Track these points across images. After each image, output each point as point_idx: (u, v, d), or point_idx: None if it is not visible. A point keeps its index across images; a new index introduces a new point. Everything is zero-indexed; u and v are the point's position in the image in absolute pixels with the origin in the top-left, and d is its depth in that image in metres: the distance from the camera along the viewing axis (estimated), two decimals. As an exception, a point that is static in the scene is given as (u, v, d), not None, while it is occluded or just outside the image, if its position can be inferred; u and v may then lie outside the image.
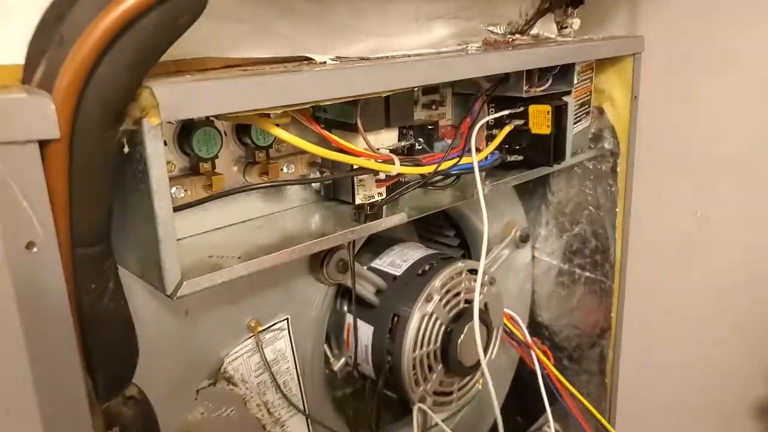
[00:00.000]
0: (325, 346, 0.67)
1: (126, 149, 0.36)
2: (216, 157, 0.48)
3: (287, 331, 0.58)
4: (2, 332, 0.30)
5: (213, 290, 0.51)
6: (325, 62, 0.46)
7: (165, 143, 0.46)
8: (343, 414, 0.69)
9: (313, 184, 0.56)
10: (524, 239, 0.81)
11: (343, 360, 0.68)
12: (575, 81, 0.67)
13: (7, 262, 0.29)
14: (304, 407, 0.61)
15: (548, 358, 0.79)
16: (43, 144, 0.30)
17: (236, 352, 0.55)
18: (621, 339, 0.83)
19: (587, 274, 0.82)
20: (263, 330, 0.56)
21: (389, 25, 0.54)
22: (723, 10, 0.69)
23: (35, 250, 0.30)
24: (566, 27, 0.73)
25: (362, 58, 0.49)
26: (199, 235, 0.49)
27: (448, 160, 0.56)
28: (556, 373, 0.81)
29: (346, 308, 0.67)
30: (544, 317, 0.89)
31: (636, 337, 0.83)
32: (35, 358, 0.31)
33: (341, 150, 0.48)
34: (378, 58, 0.51)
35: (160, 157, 0.36)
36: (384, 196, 0.56)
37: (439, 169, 0.53)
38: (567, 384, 0.82)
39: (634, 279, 0.81)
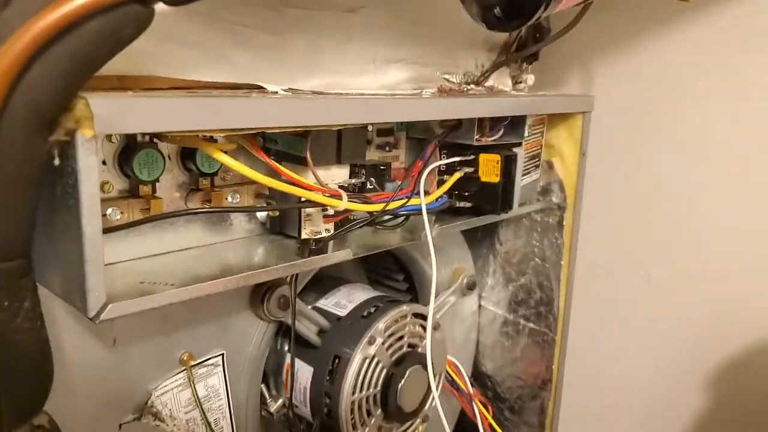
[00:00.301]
0: (263, 386, 0.65)
1: (57, 161, 0.35)
2: (157, 180, 0.47)
3: (221, 367, 0.56)
4: None
5: (145, 319, 0.49)
6: (276, 92, 0.46)
7: (104, 163, 0.45)
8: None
9: (258, 216, 0.55)
10: (471, 287, 0.81)
11: (280, 401, 0.66)
12: (526, 134, 0.69)
13: None
14: (235, 449, 0.58)
15: (488, 410, 0.79)
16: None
17: (166, 385, 0.52)
18: (561, 391, 0.83)
19: (531, 325, 0.83)
20: (196, 364, 0.54)
21: (346, 64, 0.55)
22: (672, 79, 0.72)
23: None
24: (521, 82, 0.75)
25: (316, 93, 0.50)
26: (133, 261, 0.47)
27: (397, 200, 0.56)
28: (495, 426, 0.81)
29: (286, 348, 0.65)
30: (487, 367, 0.88)
31: (578, 389, 0.83)
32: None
33: (289, 182, 0.48)
34: (332, 93, 0.51)
35: (92, 171, 0.34)
36: (331, 232, 0.56)
37: (388, 208, 0.53)
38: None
39: (577, 332, 0.82)
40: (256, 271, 0.46)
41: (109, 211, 0.44)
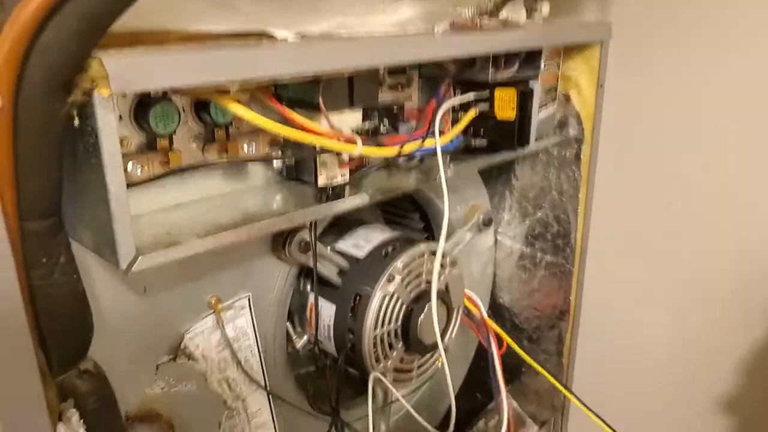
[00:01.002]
0: (288, 324, 0.68)
1: (76, 122, 0.36)
2: (174, 133, 0.47)
3: (248, 308, 0.58)
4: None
5: (172, 267, 0.51)
6: (286, 39, 0.46)
7: (120, 118, 0.45)
8: (305, 390, 0.70)
9: (275, 163, 0.56)
10: (487, 223, 0.82)
11: (305, 338, 0.69)
12: (542, 67, 0.68)
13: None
14: (265, 383, 0.62)
15: (501, 343, 0.81)
16: (-14, 115, 0.29)
17: (197, 328, 0.55)
18: (579, 321, 0.85)
19: (548, 257, 0.84)
20: (224, 307, 0.56)
21: (354, 4, 0.54)
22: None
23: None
24: (535, 11, 0.73)
25: (324, 36, 0.49)
26: (157, 213, 0.49)
27: (411, 142, 0.56)
28: (515, 346, 0.83)
29: (308, 288, 0.67)
30: (505, 299, 0.91)
31: (595, 320, 0.85)
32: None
33: (302, 129, 0.48)
34: (342, 36, 0.51)
35: (111, 130, 0.35)
36: (347, 177, 0.56)
37: (402, 151, 0.54)
38: (526, 357, 0.84)
39: (595, 263, 0.83)
40: (278, 218, 0.47)
41: (129, 165, 0.45)
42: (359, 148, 0.50)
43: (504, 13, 0.69)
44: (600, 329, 0.86)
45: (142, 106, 0.45)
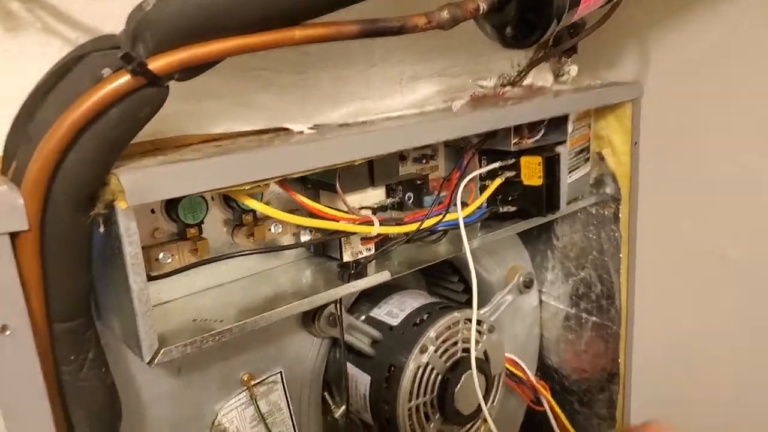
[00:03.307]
0: (326, 394, 0.69)
1: (102, 229, 0.39)
2: (202, 222, 0.51)
3: (281, 383, 0.60)
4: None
5: (205, 348, 0.53)
6: (302, 131, 0.48)
7: (153, 211, 0.49)
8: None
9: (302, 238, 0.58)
10: (528, 285, 0.80)
11: (343, 408, 0.70)
12: (570, 130, 0.67)
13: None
14: (301, 457, 0.62)
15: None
16: (13, 234, 0.33)
17: (230, 404, 0.56)
18: (631, 384, 0.81)
19: (594, 318, 0.81)
20: (256, 383, 0.58)
21: (372, 89, 0.56)
22: (728, 52, 0.68)
23: (8, 333, 0.33)
24: (563, 75, 0.73)
25: (342, 125, 0.51)
26: (188, 297, 0.51)
27: (433, 216, 0.57)
28: (560, 413, 0.81)
29: (342, 357, 0.68)
30: (553, 361, 0.88)
31: (647, 383, 0.81)
32: None
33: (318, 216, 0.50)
34: (359, 123, 0.53)
35: (133, 235, 0.38)
36: (372, 251, 0.58)
37: (423, 227, 0.54)
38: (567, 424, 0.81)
39: (643, 323, 0.80)
40: (298, 302, 0.49)
41: (160, 255, 0.49)
42: (376, 229, 0.51)
43: (529, 80, 0.70)
44: (653, 392, 0.82)
45: (172, 199, 0.49)
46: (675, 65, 0.71)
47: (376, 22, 0.37)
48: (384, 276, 0.54)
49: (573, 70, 0.74)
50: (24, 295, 0.33)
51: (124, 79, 0.33)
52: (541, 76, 0.72)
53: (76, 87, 0.33)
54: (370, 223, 0.51)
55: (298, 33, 0.36)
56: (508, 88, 0.67)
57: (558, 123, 0.67)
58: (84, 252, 0.37)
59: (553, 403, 0.82)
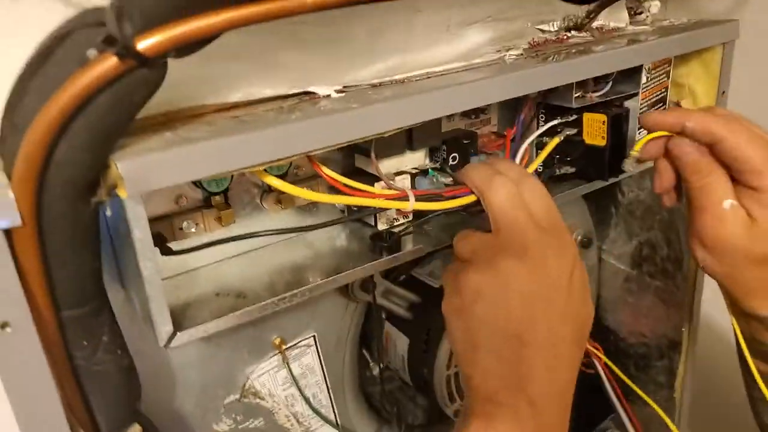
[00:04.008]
0: (365, 351, 0.68)
1: (109, 212, 0.37)
2: (227, 190, 0.48)
3: (315, 347, 0.59)
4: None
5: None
6: (329, 95, 0.44)
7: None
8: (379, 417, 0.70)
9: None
10: (585, 245, 0.75)
11: (378, 369, 0.69)
12: (643, 81, 0.59)
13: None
14: (335, 418, 0.62)
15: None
16: (8, 230, 0.31)
17: (262, 368, 0.56)
18: (695, 355, 0.76)
19: (657, 282, 0.75)
20: (288, 347, 0.57)
21: (414, 38, 0.50)
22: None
23: (9, 330, 0.32)
24: (641, 12, 0.64)
25: (375, 86, 0.46)
26: (216, 264, 0.50)
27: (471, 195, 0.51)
28: (623, 377, 0.77)
29: (384, 316, 0.66)
30: (610, 322, 0.83)
31: (712, 355, 0.76)
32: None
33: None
34: (395, 82, 0.47)
35: (141, 219, 0.36)
36: (410, 219, 0.54)
37: (466, 202, 0.49)
38: (636, 388, 0.77)
39: (712, 291, 0.73)
40: (324, 281, 0.46)
41: (184, 224, 0.47)
42: (412, 205, 0.47)
43: (600, 21, 0.61)
44: (717, 364, 0.76)
45: (193, 169, 0.46)
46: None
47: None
48: (417, 252, 0.50)
49: (654, 6, 0.64)
50: (25, 289, 0.32)
51: (110, 62, 0.29)
52: (616, 16, 0.62)
53: (61, 71, 0.29)
54: (405, 198, 0.47)
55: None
56: (573, 32, 0.59)
57: (630, 72, 0.58)
58: (88, 238, 0.35)
59: (611, 364, 0.78)
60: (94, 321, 0.37)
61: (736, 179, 0.49)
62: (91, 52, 0.29)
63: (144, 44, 0.29)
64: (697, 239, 0.51)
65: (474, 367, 0.44)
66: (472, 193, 0.48)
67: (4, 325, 0.32)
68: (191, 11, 0.30)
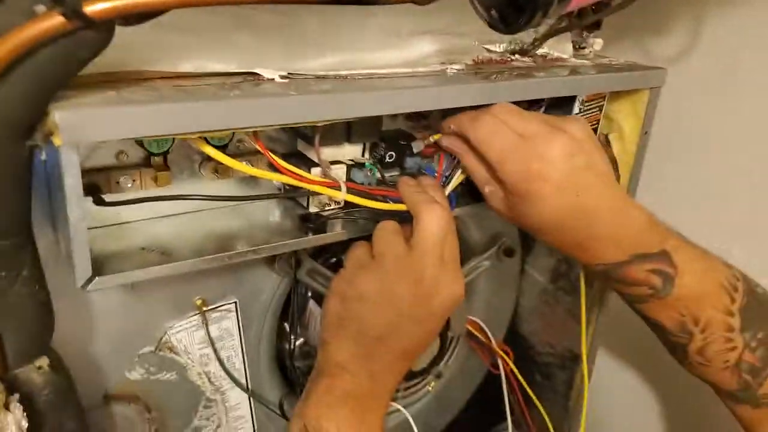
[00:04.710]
0: (285, 324, 0.71)
1: (43, 156, 0.40)
2: (168, 152, 0.51)
3: (235, 312, 0.62)
4: None
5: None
6: (273, 79, 0.47)
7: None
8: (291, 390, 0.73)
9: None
10: (508, 254, 0.79)
11: (301, 340, 0.72)
12: (575, 111, 0.64)
13: None
14: (247, 383, 0.66)
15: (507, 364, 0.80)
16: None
17: (181, 325, 0.59)
18: (592, 370, 0.82)
19: (568, 298, 0.81)
20: (209, 309, 0.60)
21: (366, 39, 0.53)
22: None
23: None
24: (584, 47, 0.69)
25: (319, 77, 0.50)
26: (148, 221, 0.52)
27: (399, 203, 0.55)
28: (520, 378, 0.82)
29: (309, 293, 0.70)
30: (524, 329, 0.89)
31: (610, 372, 0.82)
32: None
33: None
34: (339, 77, 0.51)
35: (73, 168, 0.38)
36: (341, 205, 0.57)
37: (394, 209, 0.54)
38: (531, 393, 0.83)
39: (613, 313, 0.79)
40: (244, 250, 0.49)
41: (121, 179, 0.49)
42: (343, 196, 0.51)
43: (545, 49, 0.65)
44: (614, 381, 0.82)
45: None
46: (707, 57, 0.65)
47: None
48: (341, 235, 0.54)
49: (597, 44, 0.69)
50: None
51: (56, 20, 0.32)
52: (561, 47, 0.67)
53: (7, 20, 0.32)
54: (337, 187, 0.51)
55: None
56: (517, 56, 0.63)
57: (566, 101, 0.63)
58: (19, 178, 0.37)
59: (513, 367, 0.84)
60: (14, 254, 0.40)
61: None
62: (40, 8, 0.32)
63: (93, 8, 0.32)
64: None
65: (335, 338, 0.54)
66: (404, 203, 0.52)
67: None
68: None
